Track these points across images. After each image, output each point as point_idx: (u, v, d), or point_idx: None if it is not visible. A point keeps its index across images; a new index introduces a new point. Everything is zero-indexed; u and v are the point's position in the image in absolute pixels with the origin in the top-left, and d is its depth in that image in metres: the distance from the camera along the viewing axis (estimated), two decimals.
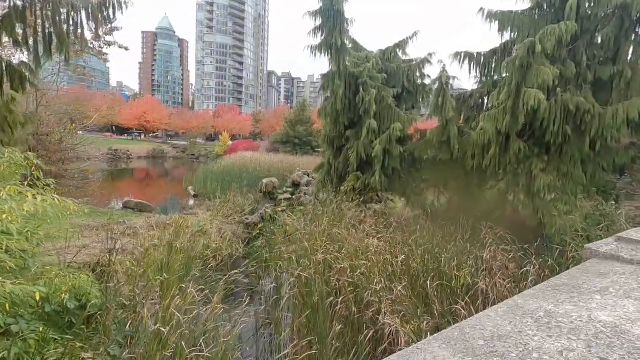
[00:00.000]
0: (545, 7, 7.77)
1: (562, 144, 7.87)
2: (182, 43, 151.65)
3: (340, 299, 3.85)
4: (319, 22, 9.05)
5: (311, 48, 9.32)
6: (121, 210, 13.82)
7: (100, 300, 3.98)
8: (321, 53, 9.23)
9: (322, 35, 9.14)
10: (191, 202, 17.47)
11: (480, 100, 9.56)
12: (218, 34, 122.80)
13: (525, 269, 5.14)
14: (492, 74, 9.22)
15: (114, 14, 7.30)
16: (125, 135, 76.73)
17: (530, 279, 5.15)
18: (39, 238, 3.80)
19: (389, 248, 5.58)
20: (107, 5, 7.06)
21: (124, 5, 7.36)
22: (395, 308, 3.86)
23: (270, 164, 24.39)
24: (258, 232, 11.48)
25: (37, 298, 2.88)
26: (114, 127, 74.11)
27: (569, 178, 8.05)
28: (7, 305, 3.03)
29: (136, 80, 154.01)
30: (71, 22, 6.67)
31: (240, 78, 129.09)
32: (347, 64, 9.49)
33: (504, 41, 8.48)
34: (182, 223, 11.34)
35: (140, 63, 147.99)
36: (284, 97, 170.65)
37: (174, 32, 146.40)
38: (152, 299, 4.39)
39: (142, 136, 76.59)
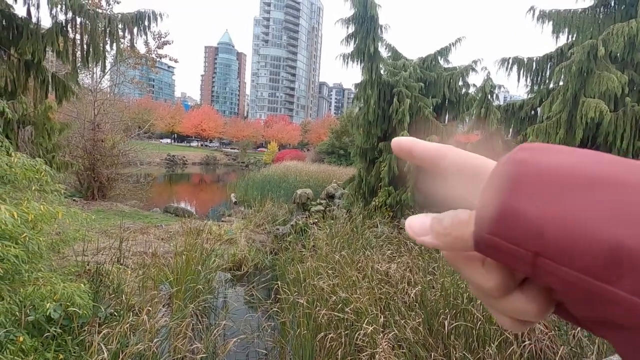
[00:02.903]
0: (612, 4, 6.67)
1: None
2: (240, 56, 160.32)
3: (329, 336, 3.35)
4: (351, 29, 8.70)
5: (343, 56, 8.97)
6: (161, 214, 14.40)
7: (91, 311, 3.89)
8: (353, 61, 8.84)
9: (354, 43, 8.76)
10: (230, 209, 17.83)
11: (532, 111, 8.51)
12: (273, 47, 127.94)
13: None
14: (547, 82, 8.17)
15: (149, 26, 7.57)
16: (185, 142, 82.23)
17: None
18: (38, 243, 3.82)
19: (408, 275, 4.95)
20: (142, 18, 7.32)
21: (158, 18, 7.62)
22: (398, 352, 3.27)
23: (311, 174, 24.29)
24: (286, 244, 11.23)
25: None
26: (175, 135, 79.79)
27: None
28: None
29: (198, 91, 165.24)
30: (107, 34, 6.97)
31: (292, 89, 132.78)
32: (380, 72, 8.99)
33: (560, 45, 7.45)
34: (214, 230, 11.50)
35: (202, 75, 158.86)
36: (334, 107, 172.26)
37: (233, 46, 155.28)
38: (148, 311, 4.22)
39: (199, 144, 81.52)
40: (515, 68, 7.88)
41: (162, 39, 15.77)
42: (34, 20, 6.94)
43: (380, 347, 3.06)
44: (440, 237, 0.25)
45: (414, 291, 4.27)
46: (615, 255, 0.18)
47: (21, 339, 3.29)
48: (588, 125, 6.17)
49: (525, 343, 4.16)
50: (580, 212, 0.20)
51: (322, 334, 3.43)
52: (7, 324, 3.21)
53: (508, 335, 3.83)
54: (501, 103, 9.51)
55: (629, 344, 0.20)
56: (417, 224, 0.26)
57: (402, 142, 0.31)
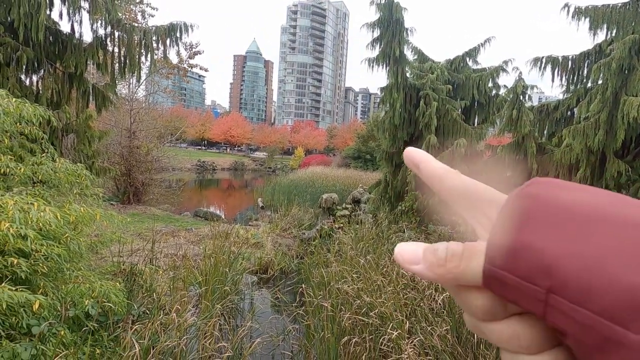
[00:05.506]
0: None
1: None
2: (267, 64, 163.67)
3: (354, 340, 3.32)
4: (377, 33, 8.68)
5: (369, 61, 8.96)
6: (191, 218, 14.87)
7: (125, 309, 4.07)
8: (379, 65, 8.80)
9: (380, 47, 8.73)
10: (256, 213, 18.14)
11: (568, 112, 8.12)
12: (299, 54, 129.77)
13: None
14: (584, 80, 7.77)
15: (180, 37, 7.91)
16: (214, 148, 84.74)
17: None
18: (78, 243, 4.06)
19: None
20: (174, 29, 7.66)
21: (189, 29, 7.94)
22: (424, 358, 3.19)
23: (337, 179, 24.31)
24: (312, 248, 11.26)
25: (36, 306, 2.97)
26: (205, 141, 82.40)
27: None
28: (33, 307, 3.21)
29: (227, 99, 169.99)
30: (142, 46, 7.34)
31: (319, 95, 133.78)
32: (406, 75, 8.89)
33: (599, 42, 7.08)
34: (241, 234, 11.74)
35: (230, 83, 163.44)
36: (360, 112, 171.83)
37: (261, 55, 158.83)
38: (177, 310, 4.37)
39: (228, 150, 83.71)
40: (549, 67, 7.56)
41: (193, 50, 16.41)
42: (77, 35, 7.44)
43: (406, 353, 3.01)
44: (433, 267, 0.24)
45: (442, 297, 4.16)
46: (638, 299, 0.17)
47: (62, 332, 3.50)
48: (631, 125, 5.81)
49: None
50: (599, 250, 0.19)
51: (346, 338, 3.41)
52: (50, 318, 3.43)
53: None
54: (534, 104, 9.14)
55: None
56: (408, 251, 0.25)
57: (413, 154, 0.31)
